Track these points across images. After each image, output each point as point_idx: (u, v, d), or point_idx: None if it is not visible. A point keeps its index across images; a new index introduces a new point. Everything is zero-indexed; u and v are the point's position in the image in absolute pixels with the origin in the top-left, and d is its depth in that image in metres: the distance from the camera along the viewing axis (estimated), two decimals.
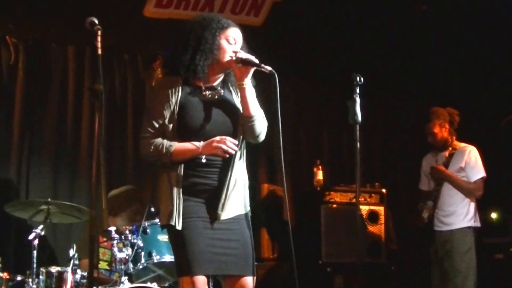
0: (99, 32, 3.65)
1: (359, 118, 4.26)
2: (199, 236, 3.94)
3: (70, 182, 6.80)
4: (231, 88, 4.18)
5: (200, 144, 3.95)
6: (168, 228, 4.01)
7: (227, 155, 3.95)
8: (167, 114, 3.99)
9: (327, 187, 7.20)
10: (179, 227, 3.93)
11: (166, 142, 3.98)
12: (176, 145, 3.96)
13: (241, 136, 4.10)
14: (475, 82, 8.01)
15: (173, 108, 3.98)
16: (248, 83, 4.02)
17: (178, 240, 3.99)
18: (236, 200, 4.07)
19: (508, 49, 7.59)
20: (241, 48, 4.08)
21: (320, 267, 6.85)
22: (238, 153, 4.06)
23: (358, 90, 4.27)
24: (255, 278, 4.10)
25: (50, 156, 6.81)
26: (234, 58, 4.00)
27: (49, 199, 5.46)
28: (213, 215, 4.00)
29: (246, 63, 3.98)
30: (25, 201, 5.57)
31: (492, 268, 7.23)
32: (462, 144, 6.67)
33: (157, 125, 4.01)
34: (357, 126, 4.29)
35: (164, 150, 3.96)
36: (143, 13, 6.86)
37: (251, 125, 4.03)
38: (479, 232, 6.61)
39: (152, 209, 5.74)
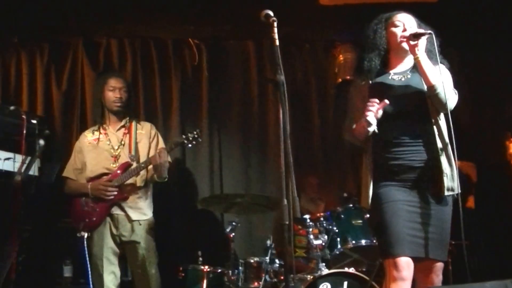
0: (275, 24, 3.69)
1: None
2: (398, 219, 4.03)
3: (260, 173, 6.91)
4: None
5: None
6: (368, 212, 4.24)
7: (371, 124, 4.06)
8: (360, 104, 4.25)
9: None
10: (378, 212, 4.10)
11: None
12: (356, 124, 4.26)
13: (435, 113, 4.15)
14: None
15: (364, 98, 4.20)
16: (421, 55, 4.12)
17: (378, 225, 4.13)
18: (431, 183, 4.11)
19: None
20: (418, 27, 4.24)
21: None
22: (435, 129, 4.12)
23: None
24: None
25: (239, 150, 6.99)
26: (403, 37, 4.19)
27: (243, 192, 5.59)
28: (411, 198, 4.10)
29: (414, 36, 4.12)
30: (219, 195, 5.73)
31: None
32: None
33: (352, 116, 4.35)
34: None
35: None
36: (318, 1, 6.84)
37: (435, 95, 4.08)
38: None
39: (345, 194, 5.80)
